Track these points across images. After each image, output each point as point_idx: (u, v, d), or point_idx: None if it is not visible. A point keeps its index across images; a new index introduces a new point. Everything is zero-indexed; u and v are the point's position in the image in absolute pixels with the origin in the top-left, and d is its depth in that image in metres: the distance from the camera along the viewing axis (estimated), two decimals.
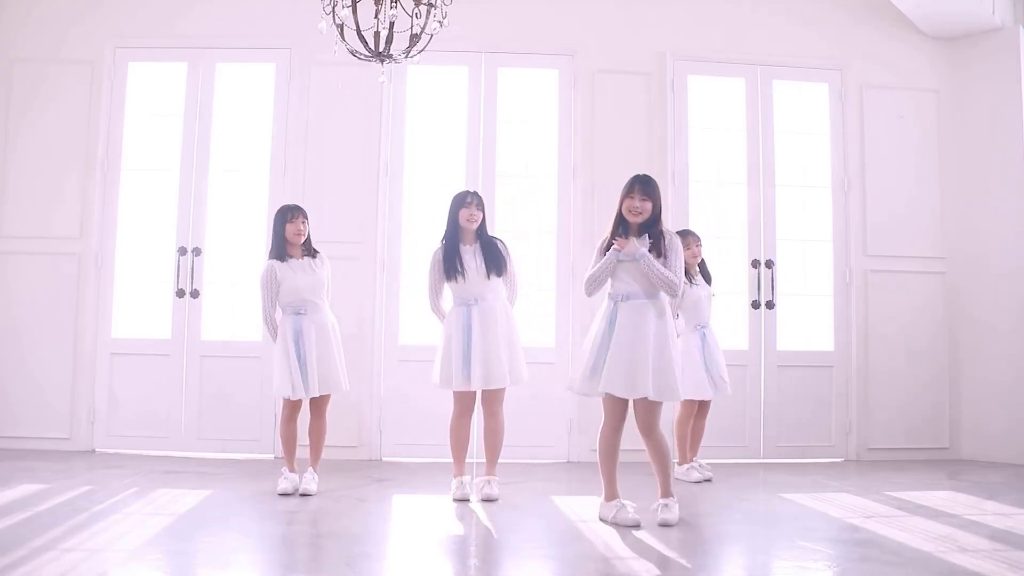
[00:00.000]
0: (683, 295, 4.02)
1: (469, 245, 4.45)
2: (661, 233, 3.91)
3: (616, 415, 3.89)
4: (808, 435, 6.01)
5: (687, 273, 4.96)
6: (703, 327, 5.14)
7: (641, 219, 3.88)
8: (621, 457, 3.95)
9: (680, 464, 5.10)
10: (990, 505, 4.39)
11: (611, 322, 3.84)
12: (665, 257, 3.86)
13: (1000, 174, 6.09)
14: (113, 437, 5.76)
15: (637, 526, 3.76)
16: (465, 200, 4.47)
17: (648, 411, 3.85)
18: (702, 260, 5.28)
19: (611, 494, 3.92)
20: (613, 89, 6.06)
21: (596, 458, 3.95)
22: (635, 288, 3.84)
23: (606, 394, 3.84)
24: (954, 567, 3.16)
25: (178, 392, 5.79)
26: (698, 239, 5.23)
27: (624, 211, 3.89)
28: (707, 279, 5.28)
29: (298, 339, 4.46)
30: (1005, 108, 6.08)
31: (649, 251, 3.85)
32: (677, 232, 4.88)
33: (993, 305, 6.06)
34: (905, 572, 3.09)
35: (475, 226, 4.46)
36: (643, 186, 3.89)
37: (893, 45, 6.30)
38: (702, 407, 5.22)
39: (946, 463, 5.87)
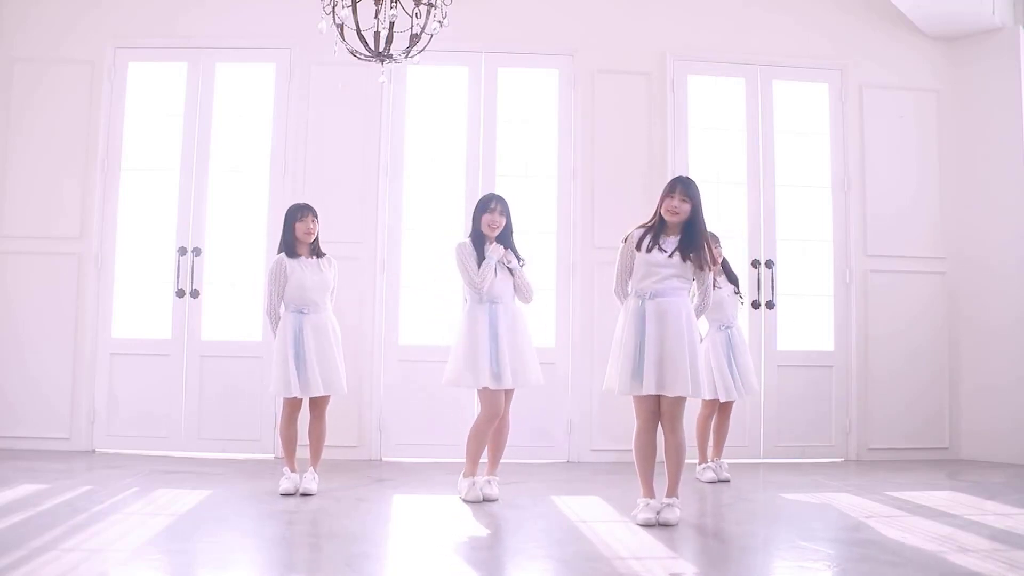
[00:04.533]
0: (707, 305, 4.05)
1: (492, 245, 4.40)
2: (701, 244, 3.91)
3: (651, 415, 3.89)
4: (808, 435, 6.01)
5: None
6: (728, 327, 5.13)
7: (678, 219, 3.90)
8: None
9: (698, 463, 5.11)
10: (990, 505, 4.38)
11: (642, 321, 3.84)
12: (695, 257, 3.88)
13: (1000, 174, 6.09)
14: (113, 437, 5.76)
15: (645, 524, 3.78)
16: (489, 205, 4.37)
17: (676, 407, 3.88)
18: (724, 260, 5.29)
19: (648, 492, 3.90)
20: (613, 89, 6.06)
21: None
22: (664, 285, 3.86)
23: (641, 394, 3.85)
24: (954, 567, 3.15)
25: (178, 392, 5.79)
26: (717, 240, 5.24)
27: (664, 211, 3.92)
28: (731, 279, 5.29)
29: (298, 337, 4.45)
30: (1005, 108, 6.08)
31: (675, 251, 3.86)
32: None
33: (993, 305, 6.06)
34: (905, 572, 3.08)
35: (497, 234, 4.37)
36: (684, 187, 3.91)
37: (893, 45, 6.30)
38: (724, 407, 5.20)
39: (946, 463, 5.87)
